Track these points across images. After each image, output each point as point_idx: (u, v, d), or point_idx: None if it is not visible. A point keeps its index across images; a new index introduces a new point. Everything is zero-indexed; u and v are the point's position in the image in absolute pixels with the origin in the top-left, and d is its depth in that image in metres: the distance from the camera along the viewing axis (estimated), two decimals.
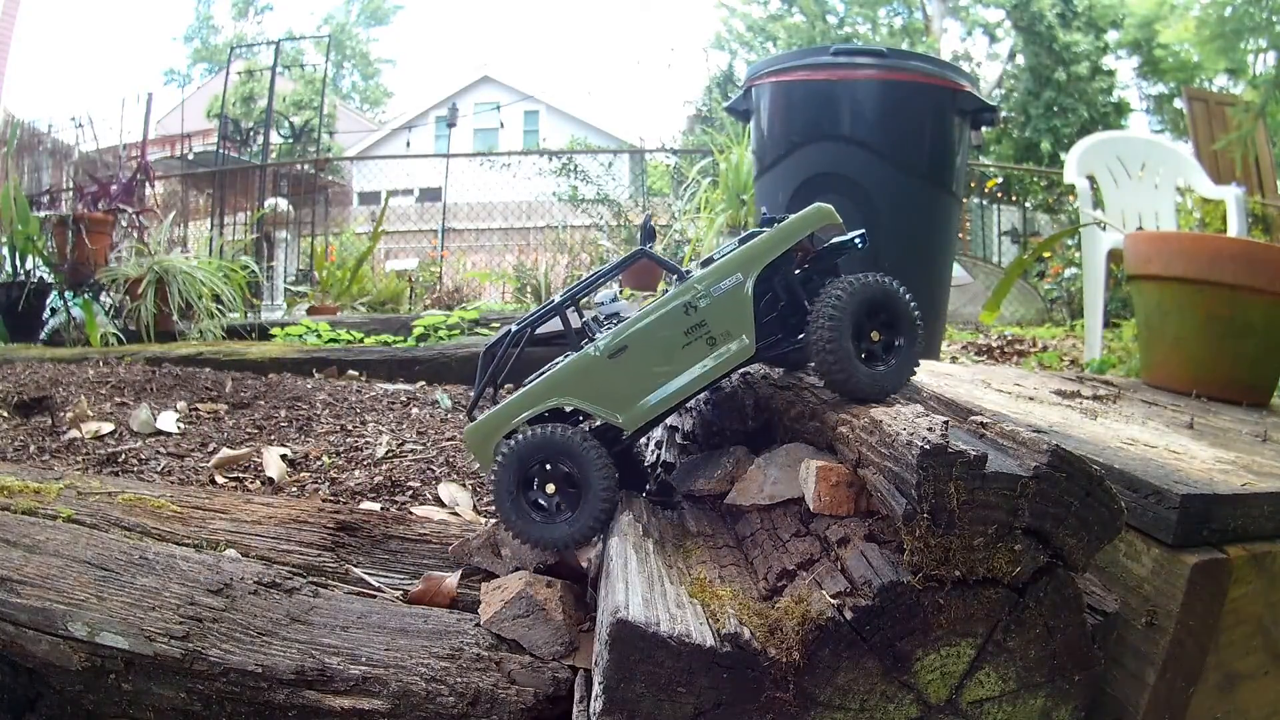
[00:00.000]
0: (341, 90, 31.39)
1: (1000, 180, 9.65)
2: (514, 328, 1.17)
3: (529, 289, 8.05)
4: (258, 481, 1.89)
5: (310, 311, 6.07)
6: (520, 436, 1.04)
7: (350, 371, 3.54)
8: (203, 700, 0.97)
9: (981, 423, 0.90)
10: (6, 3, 12.06)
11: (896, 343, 1.07)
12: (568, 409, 1.09)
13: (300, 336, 4.35)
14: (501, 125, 22.37)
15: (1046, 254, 6.48)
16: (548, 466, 1.06)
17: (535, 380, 1.11)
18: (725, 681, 0.75)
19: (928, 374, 1.54)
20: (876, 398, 1.04)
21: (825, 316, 1.02)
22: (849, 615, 0.76)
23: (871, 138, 2.54)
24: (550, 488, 1.06)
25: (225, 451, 2.06)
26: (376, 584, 1.20)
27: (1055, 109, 15.43)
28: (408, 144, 19.31)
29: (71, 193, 6.86)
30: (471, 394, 1.37)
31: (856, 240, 1.13)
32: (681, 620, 0.77)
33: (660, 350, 1.06)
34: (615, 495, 1.05)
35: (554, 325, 1.20)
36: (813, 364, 1.05)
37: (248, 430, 2.36)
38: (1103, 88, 15.77)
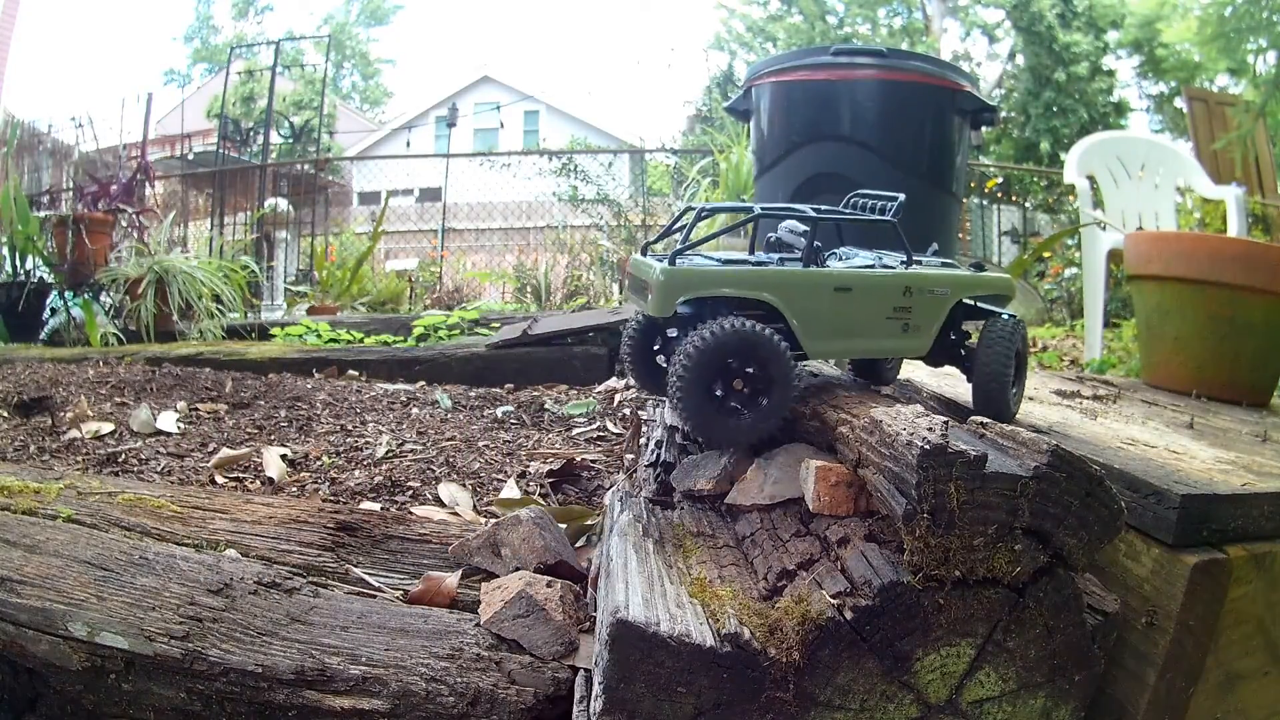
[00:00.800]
0: (341, 90, 31.39)
1: (1000, 180, 9.65)
2: (705, 206, 1.12)
3: (529, 289, 8.05)
4: (258, 481, 1.89)
5: (310, 311, 6.07)
6: (723, 326, 1.00)
7: (350, 371, 3.54)
8: (203, 700, 0.97)
9: (981, 423, 0.90)
10: (6, 3, 12.06)
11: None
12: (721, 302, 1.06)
13: (300, 336, 4.35)
14: (501, 125, 22.36)
15: (1046, 254, 6.48)
16: (731, 362, 1.03)
17: (744, 265, 1.07)
18: (725, 681, 0.75)
19: (928, 374, 1.54)
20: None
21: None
22: (849, 615, 0.76)
23: (871, 138, 2.54)
24: (738, 383, 1.04)
25: (225, 451, 2.06)
26: (376, 584, 1.20)
27: (1055, 109, 15.43)
28: (408, 144, 19.30)
29: (71, 193, 6.86)
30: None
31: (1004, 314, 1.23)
32: (681, 620, 0.77)
33: (872, 309, 1.11)
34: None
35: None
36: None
37: (248, 430, 2.37)
38: (1103, 88, 15.77)
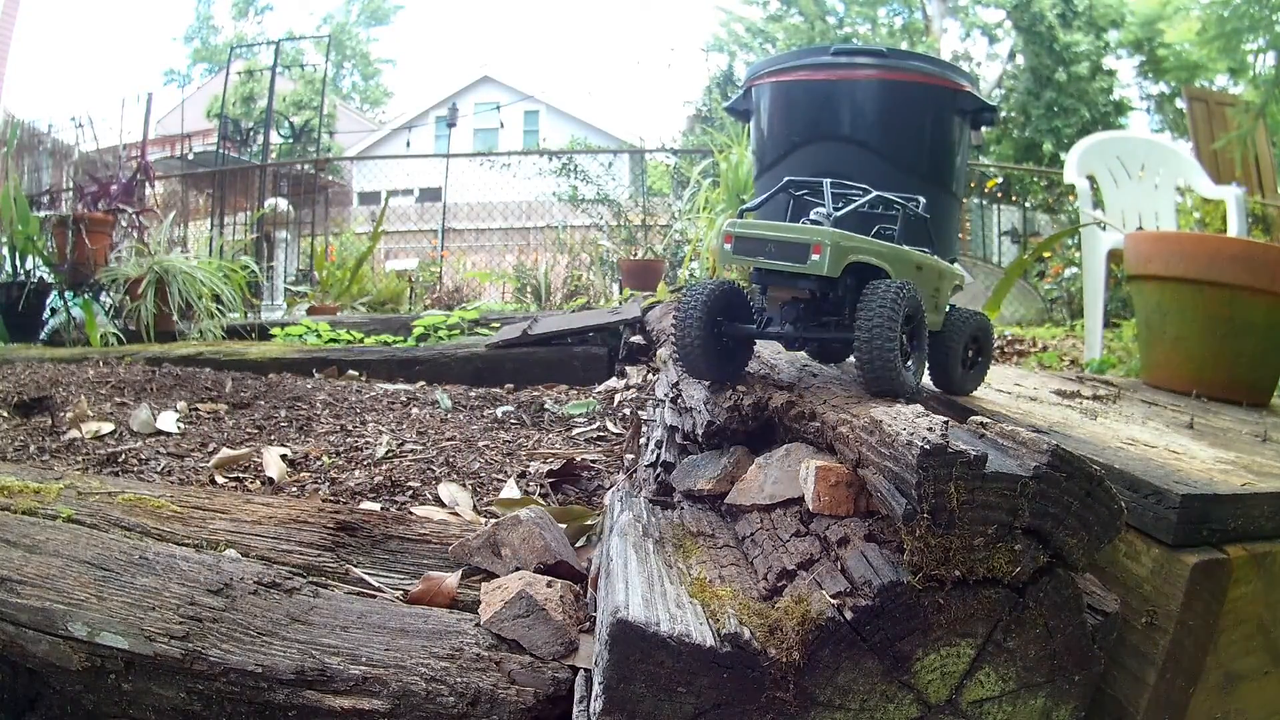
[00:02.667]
0: (341, 90, 31.37)
1: (1000, 180, 9.65)
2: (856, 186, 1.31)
3: (529, 289, 8.05)
4: (258, 481, 1.89)
5: (310, 311, 6.08)
6: (905, 286, 1.11)
7: (350, 371, 3.54)
8: (203, 700, 0.97)
9: (981, 423, 0.90)
10: (6, 3, 12.06)
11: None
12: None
13: (300, 336, 4.35)
14: (501, 125, 22.36)
15: (1046, 254, 6.48)
16: (911, 319, 1.15)
17: (869, 241, 1.20)
18: (725, 681, 0.75)
19: (928, 374, 1.54)
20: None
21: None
22: (849, 615, 0.76)
23: (871, 138, 2.54)
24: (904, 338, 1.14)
25: (225, 451, 2.06)
26: (376, 584, 1.20)
27: (1056, 109, 15.42)
28: (408, 144, 19.30)
29: (71, 193, 6.86)
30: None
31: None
32: (681, 620, 0.77)
33: (925, 288, 1.26)
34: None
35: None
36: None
37: (248, 430, 2.37)
38: (1103, 87, 15.75)
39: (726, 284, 1.23)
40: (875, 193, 1.31)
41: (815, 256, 1.11)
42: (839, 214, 1.21)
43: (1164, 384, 1.85)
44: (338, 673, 0.96)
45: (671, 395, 1.55)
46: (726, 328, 1.23)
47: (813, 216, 1.26)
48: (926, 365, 1.28)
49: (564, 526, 1.35)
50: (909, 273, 1.22)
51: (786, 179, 1.35)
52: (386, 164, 13.33)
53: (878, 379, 1.10)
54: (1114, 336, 3.96)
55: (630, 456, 1.96)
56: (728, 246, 1.19)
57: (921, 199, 1.39)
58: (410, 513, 1.61)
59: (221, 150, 8.54)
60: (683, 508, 1.14)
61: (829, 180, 1.28)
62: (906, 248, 1.26)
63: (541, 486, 1.85)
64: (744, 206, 1.32)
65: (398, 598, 1.17)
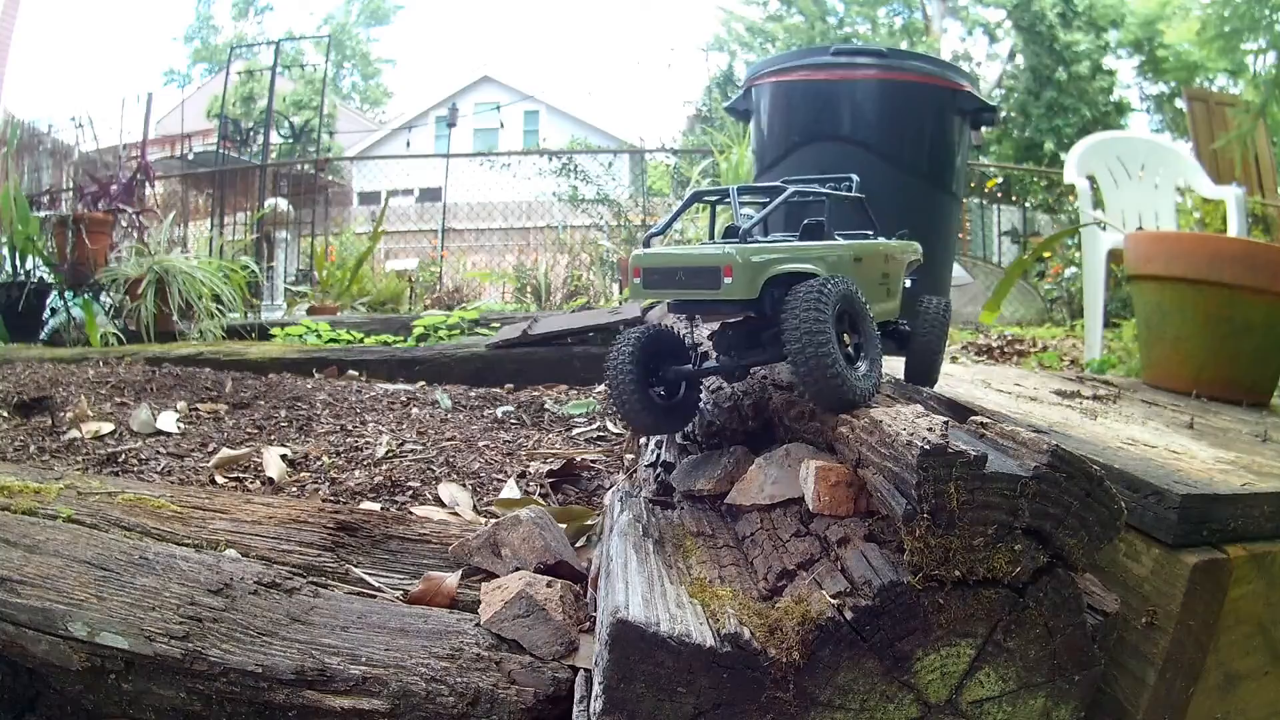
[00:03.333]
0: (341, 90, 31.37)
1: (1000, 180, 9.65)
2: (738, 187, 1.17)
3: (529, 289, 8.05)
4: (258, 481, 1.89)
5: (310, 311, 6.08)
6: (826, 280, 0.98)
7: (350, 371, 3.54)
8: (203, 700, 0.97)
9: (981, 423, 0.90)
10: (6, 3, 12.06)
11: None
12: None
13: (300, 336, 4.35)
14: (501, 125, 22.37)
15: (1046, 254, 6.48)
16: (845, 317, 1.03)
17: (795, 242, 1.12)
18: (725, 681, 0.75)
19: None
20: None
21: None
22: (849, 615, 0.76)
23: (871, 138, 2.54)
24: (847, 338, 1.02)
25: (225, 451, 2.06)
26: (376, 584, 1.20)
27: (1056, 109, 15.41)
28: (408, 144, 19.31)
29: (71, 193, 6.86)
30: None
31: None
32: (681, 620, 0.77)
33: (870, 276, 1.19)
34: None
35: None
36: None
37: (248, 430, 2.37)
38: (1103, 87, 15.75)
39: (653, 328, 1.15)
40: (792, 189, 1.15)
41: (728, 280, 1.00)
42: (750, 224, 1.08)
43: (1164, 384, 1.85)
44: (338, 673, 0.96)
45: None
46: (665, 372, 1.15)
47: (720, 232, 1.18)
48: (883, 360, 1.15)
49: (564, 526, 1.35)
50: (846, 267, 1.11)
51: (691, 194, 1.21)
52: (386, 164, 13.33)
53: (821, 392, 0.96)
54: (1114, 336, 3.97)
55: (630, 456, 1.96)
56: (637, 280, 1.07)
57: (854, 177, 1.28)
58: (410, 513, 1.61)
59: (221, 150, 8.54)
60: (683, 508, 1.14)
61: (735, 187, 1.16)
62: (839, 240, 1.18)
63: (541, 486, 1.85)
64: (650, 231, 1.15)
65: (398, 598, 1.17)
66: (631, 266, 1.08)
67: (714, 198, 1.23)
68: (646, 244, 1.11)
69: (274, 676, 0.96)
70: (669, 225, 1.19)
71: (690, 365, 1.15)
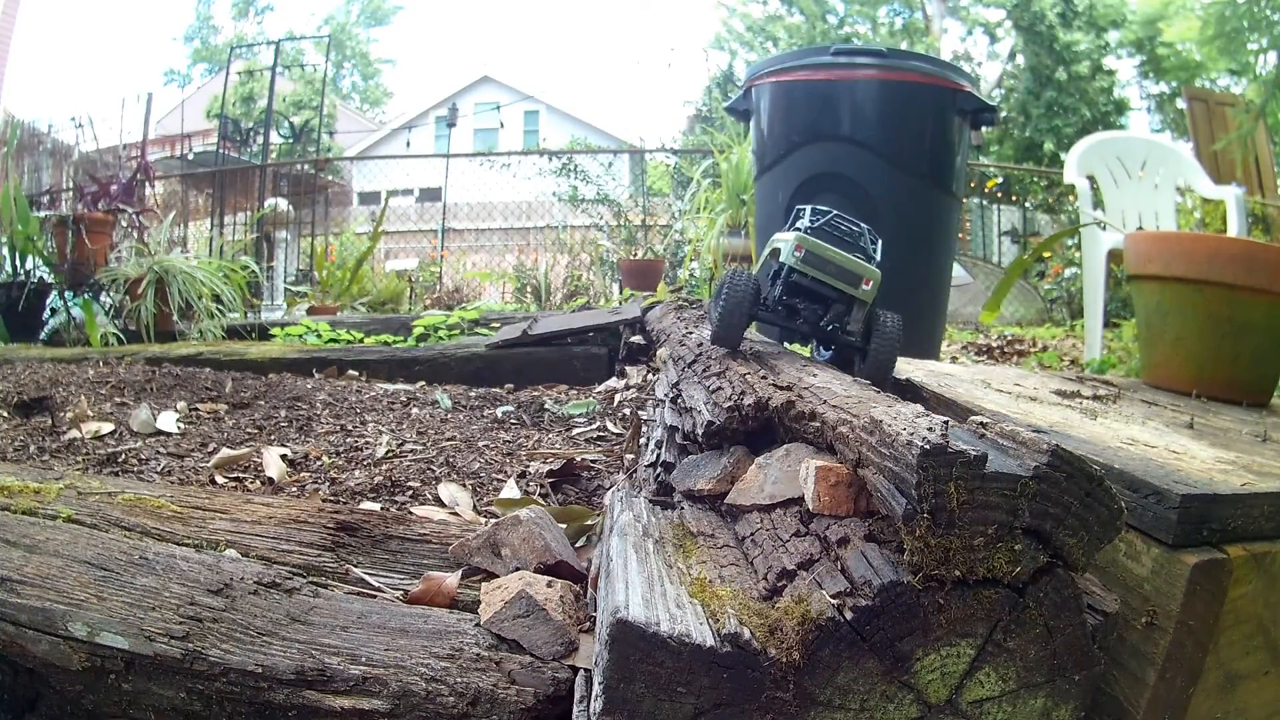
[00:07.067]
0: (341, 90, 31.37)
1: (1000, 180, 9.65)
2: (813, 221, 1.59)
3: (529, 289, 8.05)
4: (258, 481, 1.89)
5: (310, 311, 6.08)
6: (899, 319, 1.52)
7: (350, 371, 3.54)
8: (203, 700, 0.97)
9: (981, 423, 0.90)
10: (6, 3, 12.06)
11: None
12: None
13: (300, 336, 4.35)
14: (501, 125, 22.37)
15: (1046, 254, 6.49)
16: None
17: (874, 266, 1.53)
18: (725, 681, 0.75)
19: (927, 374, 1.55)
20: None
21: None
22: (849, 615, 0.76)
23: (871, 138, 2.54)
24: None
25: (225, 451, 2.06)
26: (376, 584, 1.20)
27: (1056, 109, 15.41)
28: (408, 144, 19.31)
29: (71, 193, 6.86)
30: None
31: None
32: (681, 620, 0.77)
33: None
34: None
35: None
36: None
37: (248, 430, 2.37)
38: (1103, 87, 15.75)
39: (753, 279, 1.51)
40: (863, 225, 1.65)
41: (866, 287, 1.47)
42: (874, 257, 1.56)
43: (1164, 384, 1.85)
44: (338, 673, 0.96)
45: (671, 395, 1.56)
46: (756, 312, 1.54)
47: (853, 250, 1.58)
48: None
49: (564, 526, 1.35)
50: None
51: (797, 208, 1.68)
52: (386, 164, 13.33)
53: (883, 381, 1.45)
54: (1114, 336, 3.97)
55: (630, 456, 1.96)
56: (798, 254, 1.47)
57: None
58: (410, 513, 1.61)
59: (221, 150, 8.55)
60: (683, 508, 1.14)
61: (836, 212, 1.61)
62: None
63: (541, 486, 1.85)
64: (800, 226, 1.58)
65: (398, 598, 1.17)
66: (795, 242, 1.47)
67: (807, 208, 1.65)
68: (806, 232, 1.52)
69: (274, 676, 0.96)
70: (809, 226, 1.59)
71: (772, 316, 1.55)
